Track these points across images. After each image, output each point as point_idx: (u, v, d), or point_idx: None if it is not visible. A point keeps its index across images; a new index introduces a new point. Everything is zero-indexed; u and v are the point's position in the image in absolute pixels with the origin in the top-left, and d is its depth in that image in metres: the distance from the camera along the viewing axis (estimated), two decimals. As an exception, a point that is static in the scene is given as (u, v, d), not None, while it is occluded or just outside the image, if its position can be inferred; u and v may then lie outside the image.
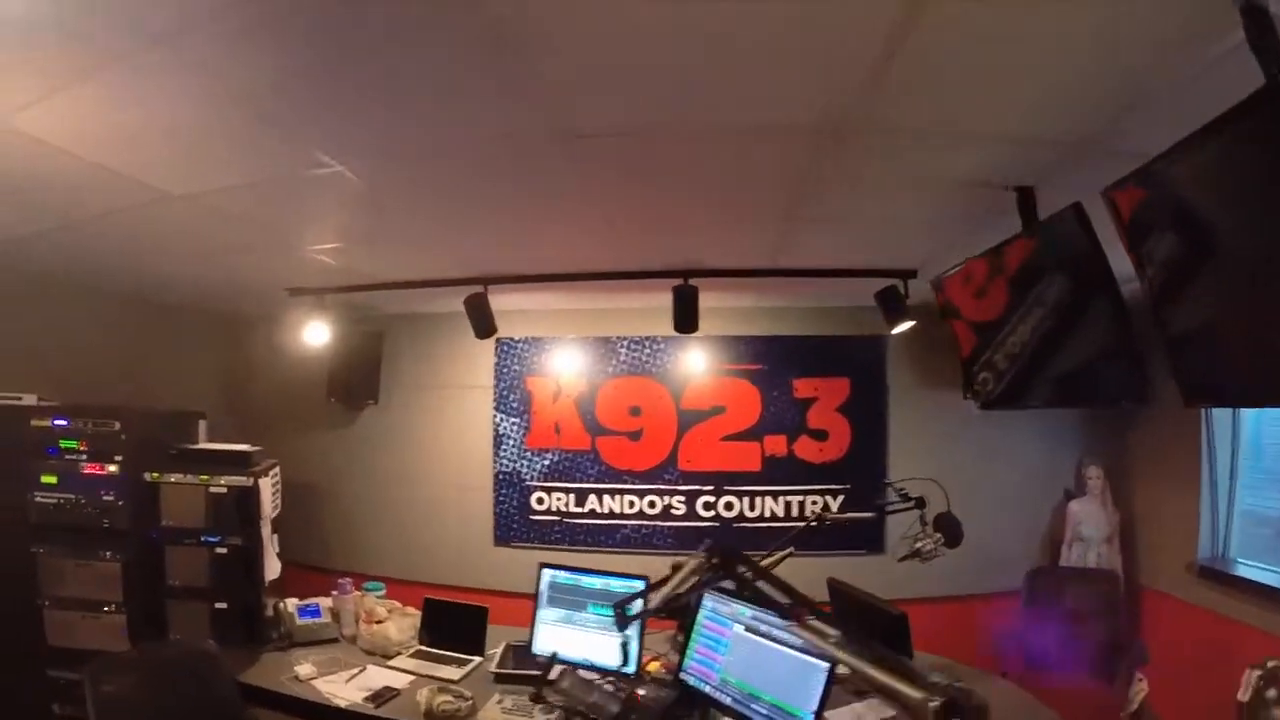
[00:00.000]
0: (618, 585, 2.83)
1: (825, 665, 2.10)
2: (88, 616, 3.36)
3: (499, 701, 2.69)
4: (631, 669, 2.69)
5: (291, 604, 3.43)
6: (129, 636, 3.34)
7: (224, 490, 3.33)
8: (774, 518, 3.86)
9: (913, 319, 3.34)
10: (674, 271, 3.27)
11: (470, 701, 2.63)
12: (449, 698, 2.60)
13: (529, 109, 1.82)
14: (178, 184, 2.35)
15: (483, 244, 3.06)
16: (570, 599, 2.89)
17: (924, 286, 3.24)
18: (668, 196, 2.48)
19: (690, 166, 2.21)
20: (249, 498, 3.34)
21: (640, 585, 2.69)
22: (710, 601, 2.59)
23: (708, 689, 2.46)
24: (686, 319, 3.25)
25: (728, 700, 2.34)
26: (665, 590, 2.16)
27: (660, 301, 3.48)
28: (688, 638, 2.63)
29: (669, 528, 3.95)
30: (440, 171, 2.26)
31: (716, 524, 3.87)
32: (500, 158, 2.13)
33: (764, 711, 2.21)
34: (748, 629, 2.45)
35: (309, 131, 1.97)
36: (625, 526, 4.00)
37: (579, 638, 2.85)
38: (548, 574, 2.96)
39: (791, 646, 2.28)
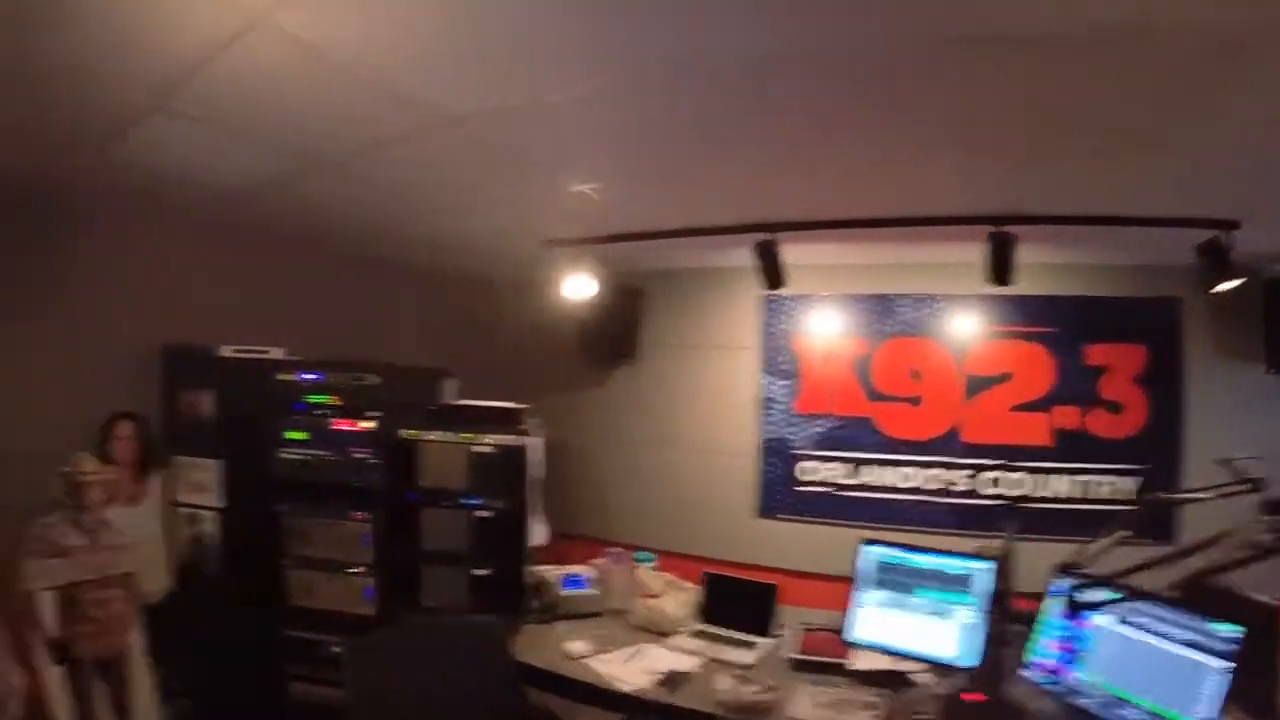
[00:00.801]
0: (955, 565, 2.53)
1: (1221, 665, 1.82)
2: (333, 578, 3.23)
3: (812, 696, 2.40)
4: (969, 661, 2.41)
5: (554, 573, 3.18)
6: (376, 600, 3.21)
7: (488, 450, 3.12)
8: (1066, 499, 3.53)
9: (1240, 275, 2.97)
10: (989, 217, 2.93)
11: (778, 691, 2.37)
12: (756, 686, 2.32)
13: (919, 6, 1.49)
14: (454, 100, 2.04)
15: (773, 186, 2.79)
16: (898, 580, 2.60)
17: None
18: (1011, 120, 2.13)
19: (1071, 84, 1.85)
20: (516, 458, 3.10)
21: (984, 565, 2.41)
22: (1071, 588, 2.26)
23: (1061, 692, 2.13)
24: (1003, 270, 2.93)
25: (1088, 704, 2.04)
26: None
27: (948, 256, 3.16)
28: (1029, 630, 2.34)
29: (949, 504, 3.65)
30: (753, 92, 1.97)
31: (1002, 503, 3.55)
32: (846, 69, 1.81)
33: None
34: (1123, 620, 2.13)
35: (596, 38, 1.68)
36: (902, 502, 3.71)
37: (907, 623, 2.58)
38: (872, 551, 2.67)
39: (1179, 642, 1.98)
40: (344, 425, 3.17)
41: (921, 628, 2.60)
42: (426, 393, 3.49)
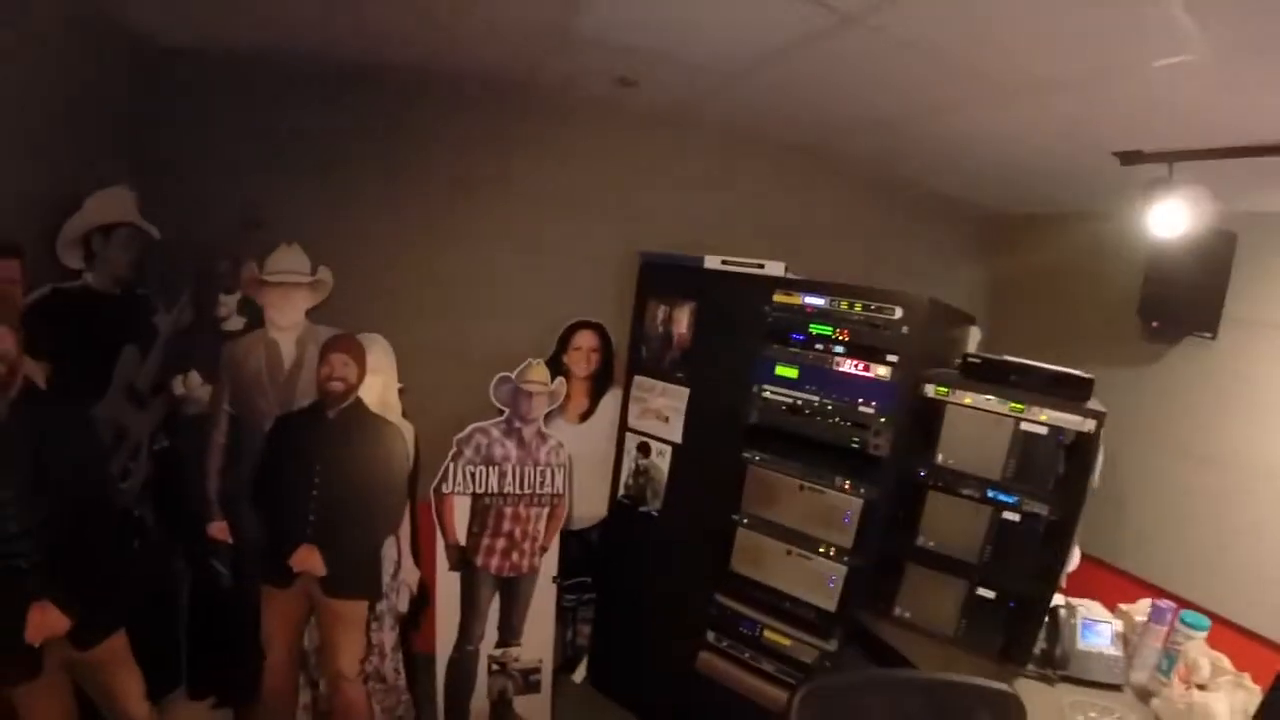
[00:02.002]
0: None
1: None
2: (793, 552, 2.72)
3: None
4: None
5: (1074, 613, 2.48)
6: (838, 593, 2.65)
7: (1042, 430, 2.39)
8: None
9: None
10: None
11: None
12: None
13: None
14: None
15: None
16: None
17: None
18: None
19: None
20: (1081, 450, 2.36)
21: None
22: None
23: None
24: None
25: None
26: None
27: None
28: None
29: None
30: None
31: None
32: None
33: None
34: None
35: None
36: None
37: None
38: None
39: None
40: (850, 368, 2.59)
41: None
42: (948, 343, 2.86)
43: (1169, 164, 2.52)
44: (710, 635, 2.86)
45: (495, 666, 3.00)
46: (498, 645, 3.01)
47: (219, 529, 2.68)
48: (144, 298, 2.73)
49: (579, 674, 3.39)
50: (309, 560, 2.40)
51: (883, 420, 2.55)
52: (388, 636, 2.82)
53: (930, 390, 2.54)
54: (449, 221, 3.20)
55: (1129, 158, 2.62)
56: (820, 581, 2.68)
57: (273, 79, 2.96)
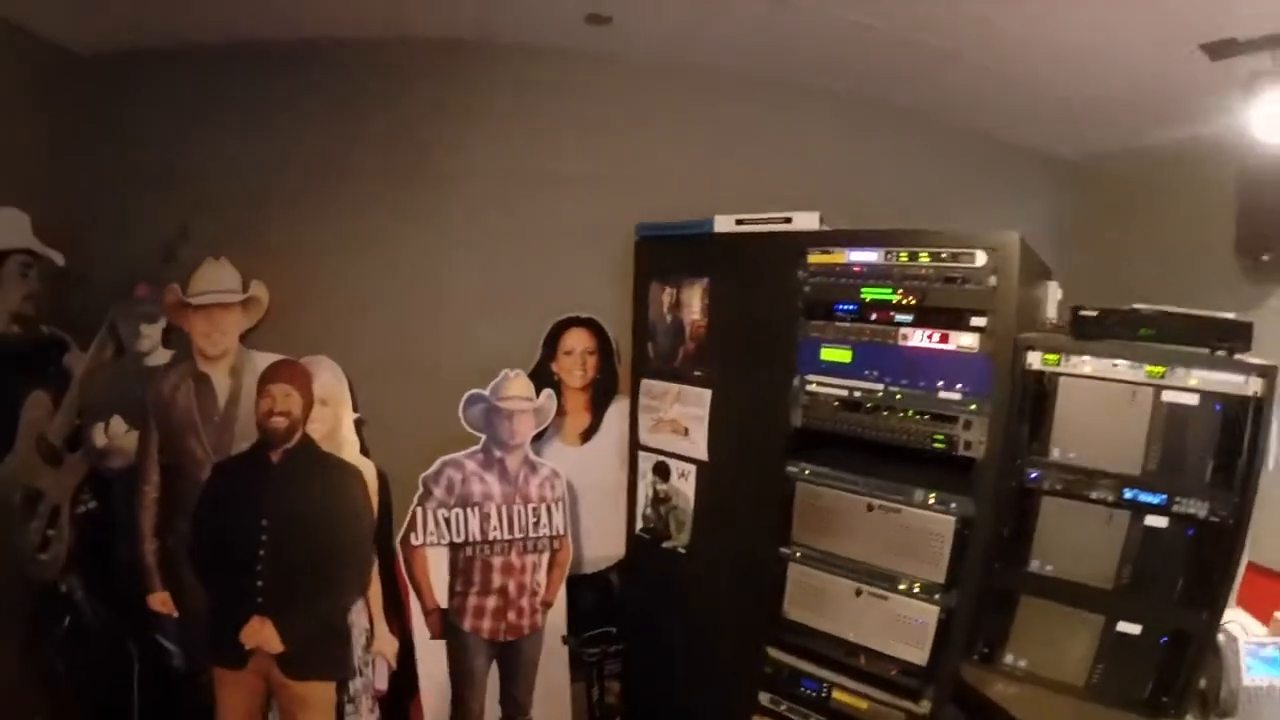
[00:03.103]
0: None
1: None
2: (865, 591, 2.22)
3: None
4: None
5: (1238, 637, 1.94)
6: (932, 642, 2.13)
7: (1193, 400, 1.84)
8: None
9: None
10: None
11: None
12: None
13: None
14: None
15: None
16: None
17: None
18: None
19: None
20: (1246, 421, 1.78)
21: None
22: None
23: None
24: None
25: None
26: None
27: None
28: None
29: None
30: None
31: None
32: None
33: None
34: None
35: None
36: None
37: None
38: None
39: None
40: (921, 341, 2.10)
41: None
42: (1032, 304, 2.35)
43: (1272, 51, 2.17)
44: (764, 698, 2.42)
45: (504, 749, 2.68)
46: (502, 723, 2.69)
47: (160, 600, 2.48)
48: (50, 336, 2.49)
49: (613, 739, 3.00)
50: (261, 634, 2.14)
51: (972, 408, 2.03)
52: (367, 722, 2.53)
53: (1035, 360, 2.00)
54: (402, 215, 2.85)
55: (1219, 50, 2.27)
56: (903, 627, 2.17)
57: (195, 75, 2.70)
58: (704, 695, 2.67)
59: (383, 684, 2.62)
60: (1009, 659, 2.11)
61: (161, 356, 2.64)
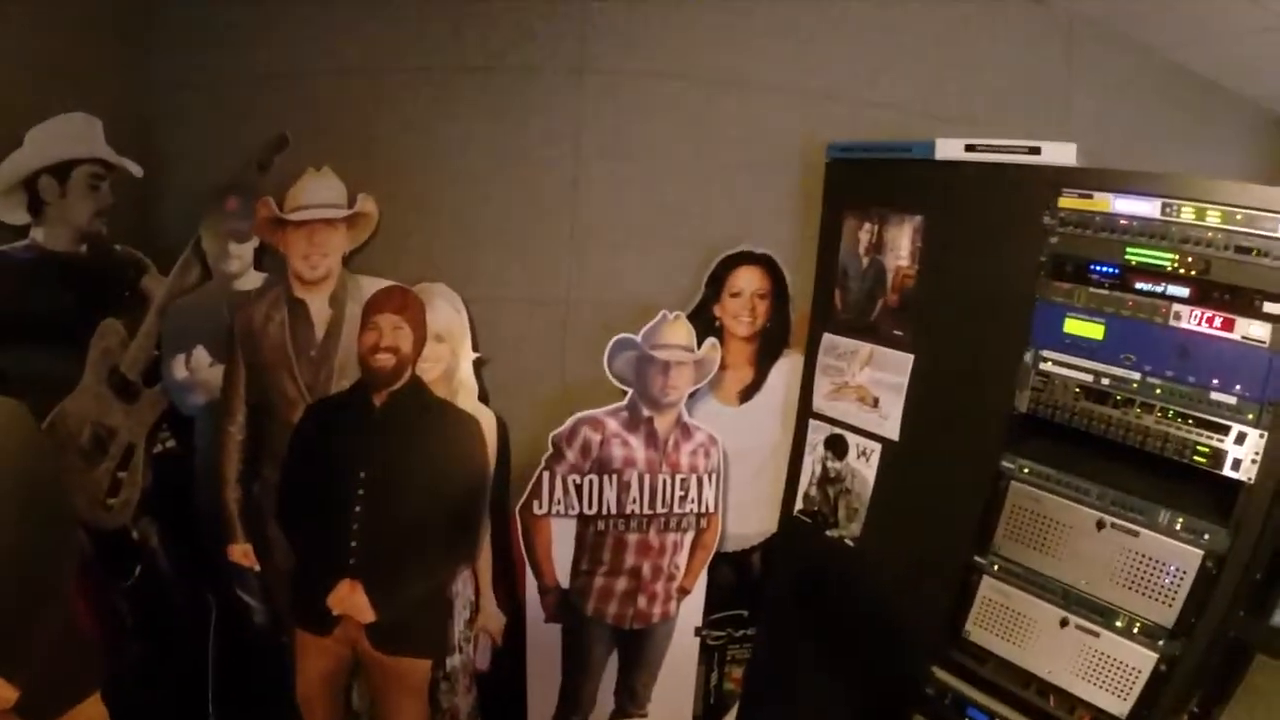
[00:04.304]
0: None
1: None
2: (1073, 623, 2.05)
3: None
4: None
5: None
6: (1137, 694, 1.97)
7: None
8: None
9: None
10: None
11: None
12: None
13: None
14: None
15: None
16: None
17: None
18: None
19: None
20: None
21: None
22: None
23: None
24: None
25: None
26: None
27: None
28: None
29: None
30: None
31: None
32: None
33: None
34: None
35: None
36: None
37: None
38: None
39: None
40: (1198, 324, 1.85)
41: None
42: None
43: None
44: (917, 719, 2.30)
45: (610, 745, 2.60)
46: (614, 716, 2.70)
47: (241, 552, 2.49)
48: (124, 256, 2.51)
49: (724, 728, 2.91)
50: (350, 600, 2.11)
51: (1250, 416, 1.78)
52: (463, 702, 2.54)
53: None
54: (538, 119, 2.71)
55: None
56: (1110, 670, 2.01)
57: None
58: (838, 701, 2.62)
59: (484, 663, 2.62)
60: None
61: (252, 280, 2.60)
